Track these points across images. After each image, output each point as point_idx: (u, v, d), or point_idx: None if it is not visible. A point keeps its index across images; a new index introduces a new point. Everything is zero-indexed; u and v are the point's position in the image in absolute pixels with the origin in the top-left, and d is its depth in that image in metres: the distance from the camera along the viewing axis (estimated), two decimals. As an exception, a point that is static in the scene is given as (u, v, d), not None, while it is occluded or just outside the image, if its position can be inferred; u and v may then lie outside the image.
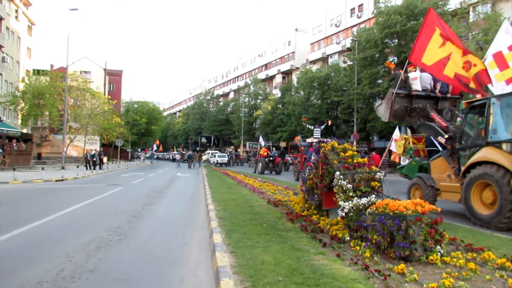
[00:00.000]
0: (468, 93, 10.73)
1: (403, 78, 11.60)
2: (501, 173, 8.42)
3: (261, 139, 46.28)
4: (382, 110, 12.21)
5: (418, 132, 14.56)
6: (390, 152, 18.38)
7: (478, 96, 9.90)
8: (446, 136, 10.72)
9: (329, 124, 37.24)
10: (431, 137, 12.34)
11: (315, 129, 30.96)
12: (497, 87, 9.93)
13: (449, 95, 12.21)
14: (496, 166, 8.62)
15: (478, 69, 9.58)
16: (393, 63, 17.57)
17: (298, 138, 33.25)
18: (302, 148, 26.67)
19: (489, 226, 8.43)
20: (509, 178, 8.23)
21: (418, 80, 11.71)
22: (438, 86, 12.23)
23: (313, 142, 23.92)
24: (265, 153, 33.20)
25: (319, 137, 28.42)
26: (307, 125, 35.89)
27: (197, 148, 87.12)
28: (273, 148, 40.73)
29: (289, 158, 33.78)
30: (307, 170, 9.46)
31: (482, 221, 8.68)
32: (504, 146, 8.71)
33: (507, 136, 8.74)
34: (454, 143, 10.45)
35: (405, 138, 14.27)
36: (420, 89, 11.73)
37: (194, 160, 47.75)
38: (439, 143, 11.60)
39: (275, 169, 32.37)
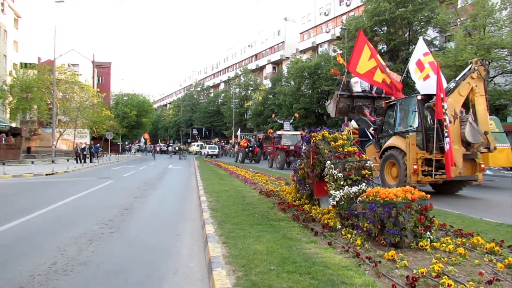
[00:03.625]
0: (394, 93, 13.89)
1: (345, 82, 14.66)
2: (401, 155, 11.63)
3: (239, 132, 51.78)
4: (331, 107, 15.15)
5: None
6: None
7: (393, 98, 13.47)
8: (372, 128, 14.29)
9: (297, 117, 41.05)
10: (365, 129, 15.56)
11: (284, 123, 34.56)
12: (419, 85, 12.80)
13: (383, 95, 14.96)
14: (398, 150, 11.87)
15: (388, 82, 13.31)
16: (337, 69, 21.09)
17: (271, 130, 36.92)
18: (274, 139, 29.89)
19: None
20: (405, 157, 11.39)
21: (358, 84, 14.67)
22: (374, 88, 15.08)
23: (282, 134, 28.61)
24: (245, 144, 37.28)
25: (289, 129, 33.01)
26: (278, 120, 40.00)
27: (188, 140, 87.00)
28: (252, 139, 43.21)
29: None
30: (298, 161, 9.52)
31: None
32: (405, 135, 11.87)
33: (403, 128, 12.37)
34: (378, 133, 13.87)
35: (348, 130, 17.61)
36: (360, 91, 14.79)
37: (184, 152, 50.64)
38: (370, 133, 14.75)
39: (254, 158, 36.31)
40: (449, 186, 12.15)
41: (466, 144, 11.18)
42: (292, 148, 27.10)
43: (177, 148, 52.94)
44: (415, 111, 11.97)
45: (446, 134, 10.13)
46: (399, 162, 11.69)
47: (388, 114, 13.40)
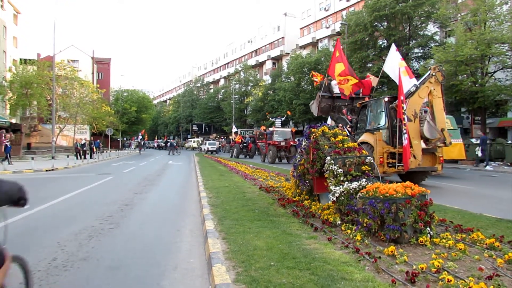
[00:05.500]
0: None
1: (326, 84, 15.79)
2: (370, 149, 12.82)
3: (233, 128, 53.21)
4: (314, 107, 16.16)
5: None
6: None
7: (366, 99, 15.14)
8: (349, 126, 15.52)
9: (289, 114, 42.91)
10: (343, 126, 16.52)
11: (276, 120, 37.18)
12: (409, 82, 13.62)
13: (361, 95, 16.08)
14: (368, 145, 13.07)
15: (352, 83, 14.35)
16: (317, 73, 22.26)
17: (263, 127, 38.83)
18: (266, 135, 31.84)
19: None
20: (373, 151, 12.74)
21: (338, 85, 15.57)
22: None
23: (274, 130, 30.63)
24: (240, 140, 39.32)
25: (280, 126, 35.55)
26: (271, 118, 42.70)
27: (188, 136, 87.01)
28: (247, 136, 45.11)
29: None
30: (298, 156, 9.51)
31: None
32: (375, 132, 13.33)
33: (373, 126, 13.84)
34: (354, 130, 15.23)
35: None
36: (340, 92, 15.57)
37: (177, 147, 52.77)
38: (348, 130, 15.66)
39: (248, 154, 38.25)
40: (413, 176, 13.05)
41: (425, 139, 12.63)
42: (283, 143, 29.06)
43: (174, 144, 52.88)
44: (383, 111, 13.55)
45: (404, 131, 11.60)
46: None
47: (362, 114, 15.08)
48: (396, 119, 12.50)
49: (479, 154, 22.57)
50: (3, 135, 32.88)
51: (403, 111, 11.60)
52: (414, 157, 12.08)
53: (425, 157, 12.85)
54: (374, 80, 16.54)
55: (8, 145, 27.13)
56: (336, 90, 15.89)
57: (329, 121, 20.82)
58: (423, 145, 12.74)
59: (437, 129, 12.43)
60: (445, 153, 15.32)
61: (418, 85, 12.72)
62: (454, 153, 18.45)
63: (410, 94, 12.55)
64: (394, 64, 14.47)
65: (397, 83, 13.86)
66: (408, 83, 13.87)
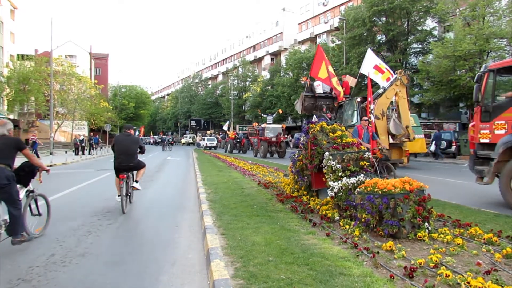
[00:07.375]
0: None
1: (308, 85, 16.88)
2: None
3: (225, 125, 54.91)
4: (298, 106, 17.26)
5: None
6: None
7: (344, 99, 16.14)
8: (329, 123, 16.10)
9: (280, 113, 44.82)
10: None
11: (267, 117, 38.66)
12: (383, 84, 14.73)
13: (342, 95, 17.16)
14: None
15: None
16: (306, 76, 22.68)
17: (256, 124, 40.71)
18: (258, 131, 33.37)
19: None
20: None
21: (321, 86, 16.77)
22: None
23: (265, 126, 32.05)
24: (233, 136, 41.03)
25: (271, 123, 37.51)
26: (262, 114, 44.81)
27: (187, 132, 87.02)
28: (240, 132, 46.84)
29: None
30: (297, 152, 9.52)
31: None
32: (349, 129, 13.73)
33: (348, 123, 14.42)
34: None
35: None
36: (322, 92, 16.91)
37: (173, 143, 54.17)
38: None
39: (241, 149, 39.84)
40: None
41: (392, 135, 13.67)
42: (274, 139, 30.41)
43: (169, 140, 52.98)
44: (355, 110, 14.78)
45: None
46: None
47: (339, 112, 16.19)
48: None
49: (432, 149, 24.93)
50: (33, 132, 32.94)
51: (370, 110, 12.75)
52: None
53: (393, 151, 14.08)
54: (352, 81, 17.96)
55: (36, 141, 27.17)
56: (318, 90, 17.06)
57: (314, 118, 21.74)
58: (391, 140, 13.82)
59: (402, 126, 13.49)
60: (409, 147, 16.41)
61: (385, 87, 13.89)
62: (416, 147, 19.88)
63: (378, 96, 13.75)
64: (370, 66, 15.69)
65: (380, 83, 15.33)
66: (383, 82, 15.23)
